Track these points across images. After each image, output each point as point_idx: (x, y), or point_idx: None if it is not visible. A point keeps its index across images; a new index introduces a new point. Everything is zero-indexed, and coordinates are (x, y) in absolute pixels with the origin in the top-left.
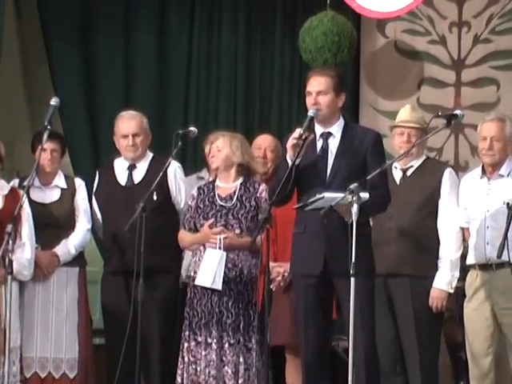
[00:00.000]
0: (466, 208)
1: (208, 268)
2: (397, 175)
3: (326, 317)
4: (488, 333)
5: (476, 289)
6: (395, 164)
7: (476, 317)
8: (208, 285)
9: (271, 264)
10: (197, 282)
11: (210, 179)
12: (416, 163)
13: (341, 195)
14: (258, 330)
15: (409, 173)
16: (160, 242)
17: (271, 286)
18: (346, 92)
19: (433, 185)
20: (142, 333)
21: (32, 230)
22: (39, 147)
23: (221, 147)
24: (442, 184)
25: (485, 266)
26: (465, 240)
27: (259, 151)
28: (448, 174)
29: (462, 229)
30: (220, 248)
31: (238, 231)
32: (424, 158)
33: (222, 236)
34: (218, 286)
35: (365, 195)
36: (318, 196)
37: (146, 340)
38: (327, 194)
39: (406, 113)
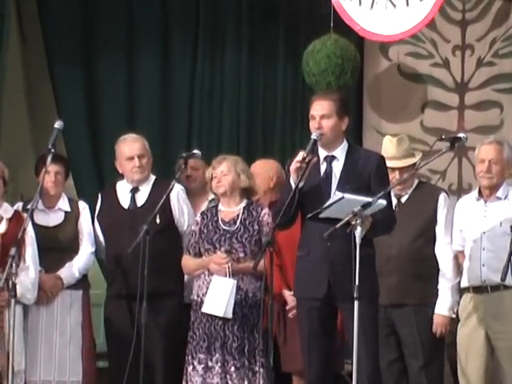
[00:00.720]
0: (462, 230)
1: (218, 296)
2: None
3: (330, 340)
4: (482, 357)
5: (469, 313)
6: None
7: (469, 341)
8: (220, 314)
9: (286, 292)
10: (206, 310)
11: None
12: (410, 189)
13: (361, 198)
14: (263, 354)
15: (403, 199)
16: (163, 264)
17: (290, 315)
18: (350, 115)
19: (428, 211)
20: (145, 356)
21: (35, 253)
22: (43, 170)
23: (226, 171)
24: (438, 210)
25: (479, 289)
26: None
27: None
28: (443, 199)
29: (458, 252)
30: (229, 276)
31: (242, 255)
32: (416, 181)
33: (230, 264)
34: (230, 315)
35: (382, 202)
36: (337, 196)
37: (150, 363)
38: (347, 195)
39: (392, 147)
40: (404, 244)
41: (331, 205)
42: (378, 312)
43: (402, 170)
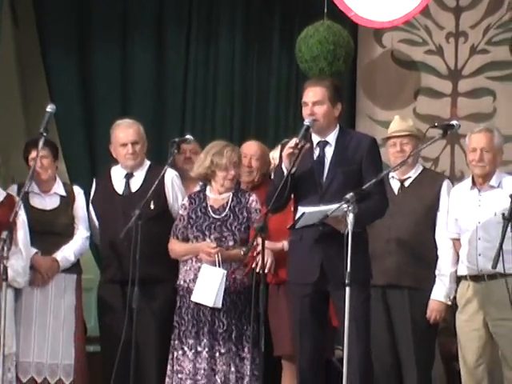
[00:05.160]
0: (457, 219)
1: (208, 286)
2: (394, 185)
3: (321, 327)
4: (480, 343)
5: (468, 300)
6: (392, 174)
7: (468, 327)
8: (210, 304)
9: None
10: (195, 299)
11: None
12: (414, 174)
13: (320, 208)
14: (251, 339)
15: (406, 183)
16: (157, 250)
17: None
18: (343, 102)
19: (431, 197)
20: (137, 341)
21: (27, 237)
22: (30, 156)
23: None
24: (441, 196)
25: (477, 277)
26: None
27: (244, 160)
28: (446, 186)
29: (453, 240)
30: (219, 265)
31: (231, 243)
32: (421, 168)
33: (219, 253)
34: (219, 305)
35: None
36: (299, 215)
37: (142, 348)
38: (308, 210)
39: (395, 124)
40: (404, 227)
41: (298, 221)
42: (370, 297)
43: (402, 143)
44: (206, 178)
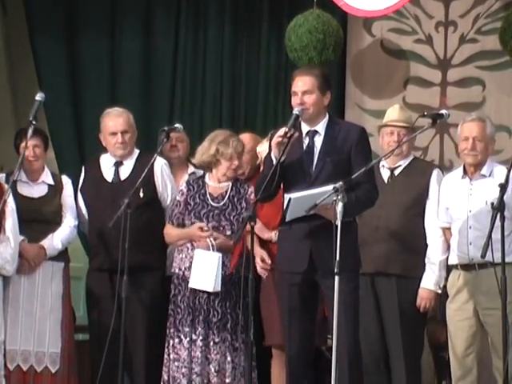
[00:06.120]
0: (448, 208)
1: (205, 271)
2: (384, 174)
3: (310, 316)
4: (470, 332)
5: (458, 289)
6: (382, 163)
7: (458, 316)
8: (210, 289)
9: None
10: (193, 286)
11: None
12: (404, 163)
13: (307, 192)
14: (244, 330)
15: (396, 172)
16: (146, 239)
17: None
18: (332, 91)
19: (421, 185)
20: (127, 330)
21: (16, 225)
22: (21, 144)
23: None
24: (430, 185)
25: (467, 266)
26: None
27: None
28: (436, 174)
29: (443, 229)
30: (213, 249)
31: (229, 232)
32: (411, 157)
33: (213, 238)
34: (219, 288)
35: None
36: (286, 202)
37: (131, 337)
38: (293, 195)
39: (395, 112)
40: (393, 215)
41: (286, 210)
42: (359, 286)
43: (400, 133)
44: (208, 166)
